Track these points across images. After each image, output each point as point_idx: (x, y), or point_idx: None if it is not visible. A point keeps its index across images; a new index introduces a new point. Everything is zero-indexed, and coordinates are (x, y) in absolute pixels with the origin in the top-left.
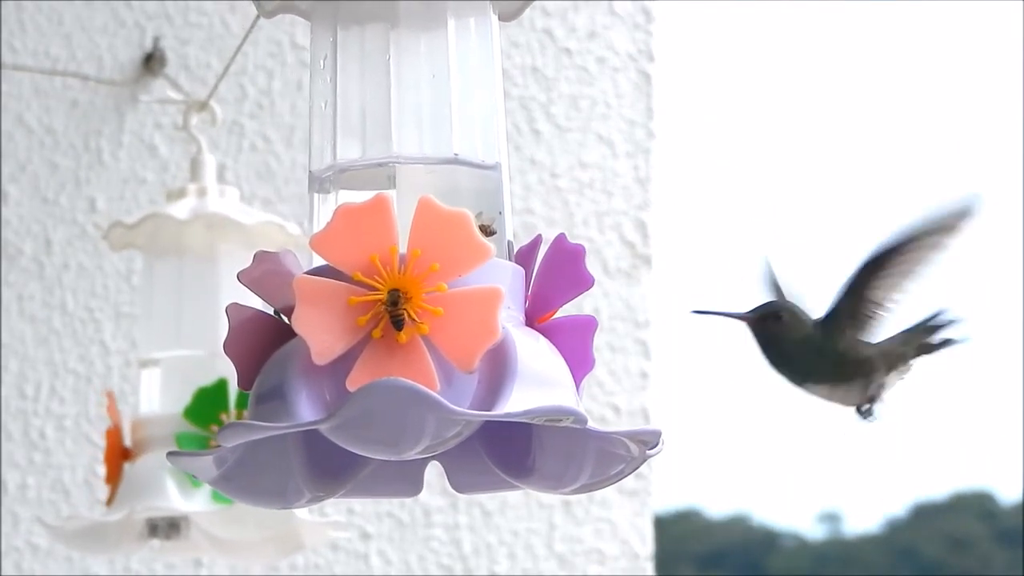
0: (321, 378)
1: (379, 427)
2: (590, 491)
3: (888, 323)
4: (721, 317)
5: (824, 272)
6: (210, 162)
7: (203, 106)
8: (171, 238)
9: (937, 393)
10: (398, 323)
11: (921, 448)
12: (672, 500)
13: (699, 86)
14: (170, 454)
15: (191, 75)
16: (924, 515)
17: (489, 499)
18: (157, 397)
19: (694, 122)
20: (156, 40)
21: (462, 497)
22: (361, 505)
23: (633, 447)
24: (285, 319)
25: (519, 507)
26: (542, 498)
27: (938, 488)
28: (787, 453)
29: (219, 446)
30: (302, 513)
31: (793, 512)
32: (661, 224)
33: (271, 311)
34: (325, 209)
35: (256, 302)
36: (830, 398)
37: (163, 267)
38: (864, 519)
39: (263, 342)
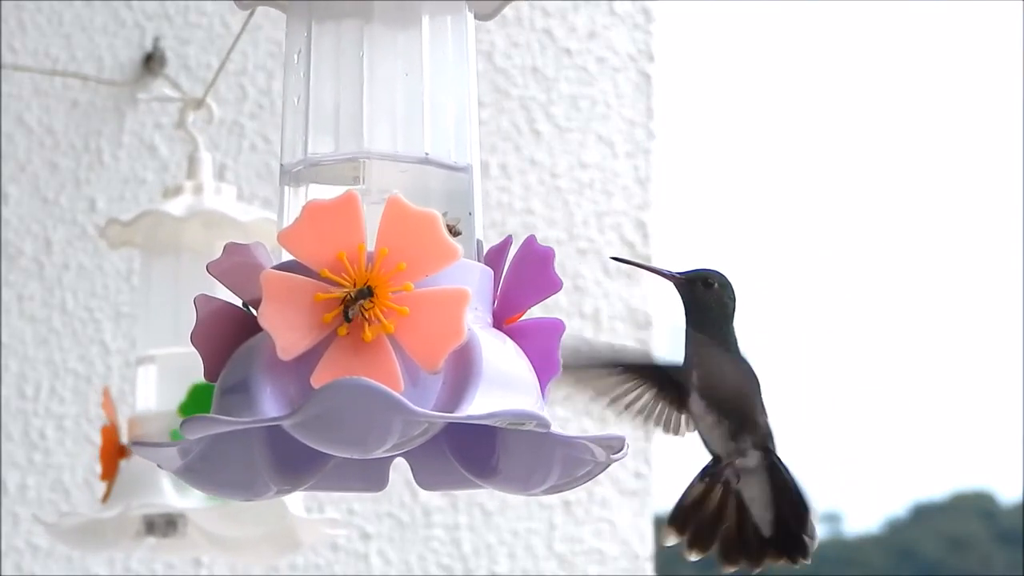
0: (286, 374)
1: (342, 425)
2: (559, 492)
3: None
4: (647, 272)
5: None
6: (207, 160)
7: (200, 104)
8: (168, 235)
9: (937, 393)
10: (360, 319)
11: (921, 448)
12: (672, 500)
13: (699, 86)
14: (134, 443)
15: (191, 75)
16: (924, 515)
17: (489, 499)
18: (153, 394)
19: (694, 122)
20: (156, 40)
21: (462, 497)
22: (361, 505)
23: (598, 451)
24: (253, 311)
25: (519, 507)
26: (542, 498)
27: (938, 488)
28: (787, 453)
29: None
30: (298, 511)
31: None
32: (661, 224)
33: (240, 303)
34: (295, 203)
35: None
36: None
37: (160, 264)
38: (864, 519)
39: (230, 334)
